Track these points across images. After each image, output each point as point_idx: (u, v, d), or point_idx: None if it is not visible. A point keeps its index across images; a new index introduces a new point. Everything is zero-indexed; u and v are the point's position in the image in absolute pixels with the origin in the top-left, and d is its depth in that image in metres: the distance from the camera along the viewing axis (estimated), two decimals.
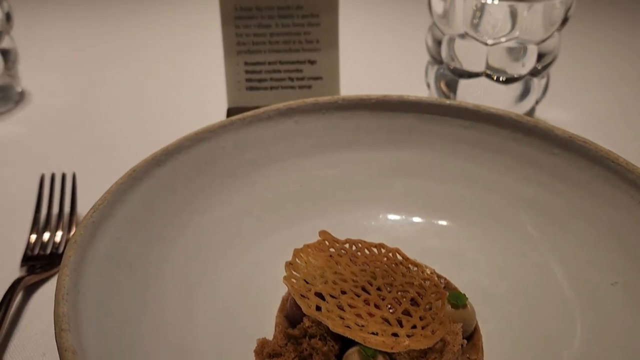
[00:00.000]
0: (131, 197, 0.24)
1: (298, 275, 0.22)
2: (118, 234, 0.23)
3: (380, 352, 0.20)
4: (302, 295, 0.21)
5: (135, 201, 0.25)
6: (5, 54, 0.44)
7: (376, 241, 0.29)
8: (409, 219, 0.30)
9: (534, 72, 0.38)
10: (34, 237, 0.31)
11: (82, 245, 0.21)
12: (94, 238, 0.22)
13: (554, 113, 0.46)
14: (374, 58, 0.58)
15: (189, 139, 0.28)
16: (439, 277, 0.26)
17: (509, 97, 0.38)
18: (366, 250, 0.25)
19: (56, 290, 0.19)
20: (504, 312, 0.25)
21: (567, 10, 0.36)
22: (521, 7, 0.34)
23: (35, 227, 0.31)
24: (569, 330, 0.24)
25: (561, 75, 0.47)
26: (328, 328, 0.21)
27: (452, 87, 0.39)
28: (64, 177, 0.34)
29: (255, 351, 0.22)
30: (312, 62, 0.38)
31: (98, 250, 0.22)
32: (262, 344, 0.22)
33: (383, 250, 0.25)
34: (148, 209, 0.25)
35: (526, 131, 0.29)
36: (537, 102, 0.40)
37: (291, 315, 0.23)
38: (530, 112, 0.40)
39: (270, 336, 0.23)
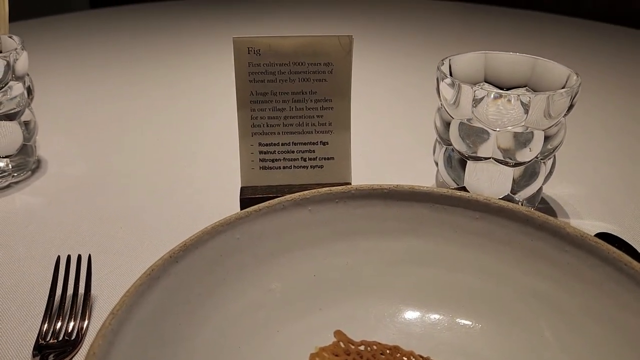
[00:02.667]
0: (149, 298, 0.25)
1: None
2: (136, 338, 0.23)
3: None
4: None
5: (153, 302, 0.25)
6: (25, 126, 0.46)
7: (389, 335, 0.29)
8: (422, 312, 0.30)
9: (541, 156, 0.38)
10: (46, 324, 0.31)
11: (100, 356, 0.21)
12: (112, 346, 0.22)
13: (560, 188, 0.46)
14: (383, 135, 0.59)
15: (206, 232, 0.28)
16: None
17: (516, 179, 0.39)
18: (381, 354, 0.25)
19: None
20: None
21: (573, 98, 0.37)
22: (527, 98, 0.35)
23: (48, 313, 0.31)
24: None
25: (567, 151, 0.48)
26: None
27: (460, 168, 0.40)
28: (79, 259, 0.35)
29: None
30: (324, 144, 0.39)
31: (115, 358, 0.22)
32: None
33: (398, 355, 0.25)
34: (165, 309, 0.25)
35: (537, 226, 0.29)
36: (544, 183, 0.41)
37: None
38: (538, 192, 0.41)
39: None
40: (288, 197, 0.31)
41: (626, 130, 0.59)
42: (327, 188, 0.32)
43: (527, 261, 0.29)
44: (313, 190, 0.31)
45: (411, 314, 0.30)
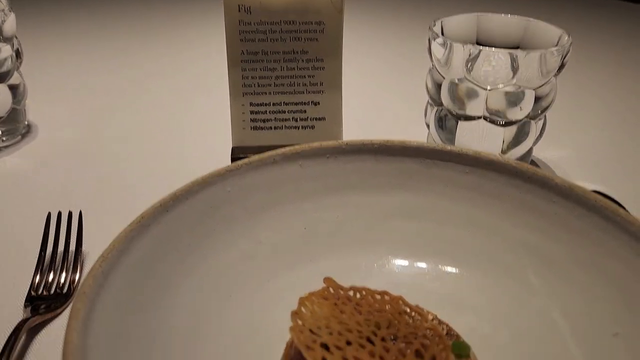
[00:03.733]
0: (139, 245, 0.25)
1: (303, 325, 0.23)
2: (125, 282, 0.23)
3: None
4: (308, 347, 0.22)
5: (143, 248, 0.25)
6: (14, 89, 0.45)
7: (379, 285, 0.29)
8: (412, 262, 0.30)
9: (532, 116, 0.38)
10: (38, 276, 0.31)
11: (90, 297, 0.21)
12: (102, 288, 0.22)
13: (551, 152, 0.47)
14: (375, 98, 0.59)
15: (196, 184, 0.28)
16: (441, 323, 0.26)
17: (507, 139, 0.39)
18: (370, 298, 0.25)
19: (64, 345, 0.19)
20: None
21: (564, 57, 0.37)
22: (518, 55, 0.35)
23: (40, 267, 0.31)
24: None
25: (557, 116, 0.48)
26: None
27: (451, 129, 0.40)
28: (70, 215, 0.34)
29: None
30: (315, 104, 0.39)
31: (105, 301, 0.22)
32: None
33: (387, 298, 0.25)
34: (155, 256, 0.25)
35: (525, 178, 0.30)
36: (534, 144, 0.41)
37: None
38: (528, 153, 0.41)
39: None
40: (279, 150, 0.31)
41: (617, 97, 0.59)
42: (318, 142, 0.32)
43: (517, 213, 0.30)
44: (304, 145, 0.31)
45: (401, 266, 0.30)
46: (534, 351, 0.26)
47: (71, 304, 0.21)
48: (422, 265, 0.30)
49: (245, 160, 0.30)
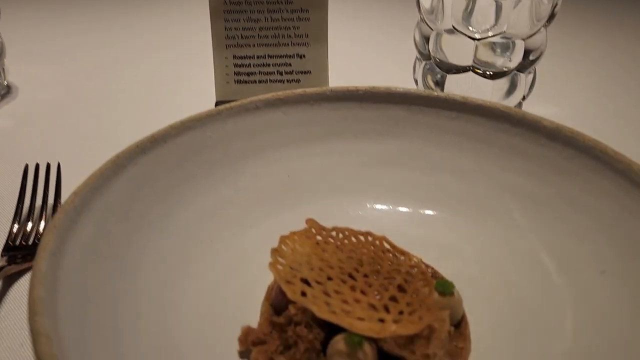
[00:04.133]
0: (114, 184, 0.24)
1: (284, 261, 0.22)
2: (100, 220, 0.23)
3: (367, 338, 0.20)
4: (287, 281, 0.21)
5: (119, 188, 0.24)
6: None
7: (363, 230, 0.29)
8: (396, 209, 0.30)
9: (521, 68, 0.38)
10: (16, 227, 0.30)
11: (61, 229, 0.20)
12: (74, 224, 0.21)
13: (540, 108, 0.46)
14: (363, 54, 0.58)
15: (175, 127, 0.27)
16: (426, 266, 0.26)
17: (495, 92, 0.39)
18: (353, 238, 0.25)
19: (32, 273, 0.18)
20: (492, 301, 0.25)
21: (554, 6, 0.36)
22: (508, 2, 0.34)
23: (18, 218, 0.31)
24: (557, 318, 0.23)
25: (548, 72, 0.47)
26: (313, 316, 0.20)
27: (440, 82, 0.39)
28: (48, 167, 0.34)
29: (239, 339, 0.22)
30: (301, 57, 0.38)
31: (78, 236, 0.21)
32: (247, 332, 0.22)
33: (370, 238, 0.25)
34: (131, 197, 0.25)
35: (514, 122, 0.29)
36: (523, 98, 0.40)
37: (276, 302, 0.23)
38: (517, 107, 0.40)
39: (255, 325, 0.23)
40: (261, 97, 0.30)
41: (607, 55, 0.59)
42: (302, 89, 0.31)
43: (505, 157, 0.29)
44: (287, 91, 0.31)
45: (386, 212, 0.30)
46: (521, 291, 0.25)
47: None
48: (408, 211, 0.30)
49: (227, 106, 0.29)
